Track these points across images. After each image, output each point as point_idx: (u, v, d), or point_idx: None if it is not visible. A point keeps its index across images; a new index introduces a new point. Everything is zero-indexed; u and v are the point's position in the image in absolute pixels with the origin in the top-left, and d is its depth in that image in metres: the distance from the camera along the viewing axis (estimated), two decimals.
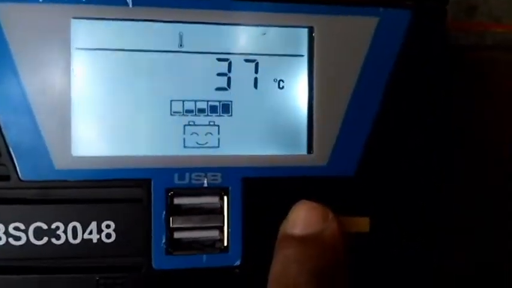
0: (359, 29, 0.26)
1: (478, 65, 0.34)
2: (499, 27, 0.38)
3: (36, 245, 0.24)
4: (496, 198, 0.33)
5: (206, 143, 0.26)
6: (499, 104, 0.34)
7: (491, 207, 0.33)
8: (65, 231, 0.24)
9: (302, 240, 0.23)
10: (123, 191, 0.25)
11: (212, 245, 0.26)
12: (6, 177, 0.24)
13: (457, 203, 0.30)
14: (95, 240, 0.24)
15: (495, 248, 0.33)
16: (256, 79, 0.26)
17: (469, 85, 0.34)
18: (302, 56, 0.27)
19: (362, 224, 0.26)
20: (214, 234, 0.26)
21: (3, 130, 0.24)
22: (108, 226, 0.24)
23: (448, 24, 0.35)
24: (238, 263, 0.26)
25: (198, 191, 0.25)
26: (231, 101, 0.26)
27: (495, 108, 0.34)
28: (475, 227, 0.32)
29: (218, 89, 0.26)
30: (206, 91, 0.26)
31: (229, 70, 0.26)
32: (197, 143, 0.26)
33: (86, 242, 0.24)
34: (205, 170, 0.25)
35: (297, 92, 0.26)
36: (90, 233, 0.24)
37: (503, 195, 0.33)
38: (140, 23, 0.25)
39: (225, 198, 0.26)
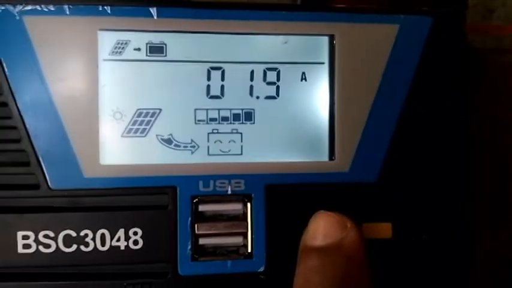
0: (380, 36, 0.27)
1: (495, 68, 0.34)
2: None
3: (66, 252, 0.25)
4: None
5: (229, 150, 0.26)
6: None
7: None
8: (94, 239, 0.25)
9: (322, 251, 0.23)
10: (150, 198, 0.25)
11: (236, 251, 0.26)
12: (36, 186, 0.25)
13: (479, 208, 0.30)
14: (122, 247, 0.25)
15: None
16: (278, 87, 0.27)
17: (487, 89, 0.34)
18: (323, 63, 0.27)
19: (384, 230, 0.26)
20: (238, 240, 0.26)
21: (32, 139, 0.24)
22: (135, 233, 0.25)
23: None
24: (262, 268, 0.26)
25: (222, 198, 0.26)
26: (254, 109, 0.26)
27: None
28: (498, 231, 0.32)
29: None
30: (229, 100, 0.26)
31: (252, 79, 0.26)
32: (221, 150, 0.26)
33: (114, 249, 0.25)
34: (228, 177, 0.26)
35: (319, 100, 0.27)
36: (118, 240, 0.25)
37: None
38: (165, 34, 0.25)
39: (249, 204, 0.26)
